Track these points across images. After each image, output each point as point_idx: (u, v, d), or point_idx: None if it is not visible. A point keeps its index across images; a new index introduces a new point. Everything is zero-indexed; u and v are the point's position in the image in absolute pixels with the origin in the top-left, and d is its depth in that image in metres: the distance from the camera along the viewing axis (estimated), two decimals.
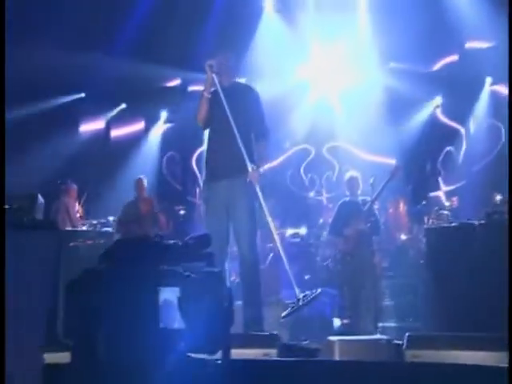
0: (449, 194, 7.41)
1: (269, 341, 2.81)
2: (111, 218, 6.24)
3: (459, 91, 7.83)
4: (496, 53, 7.57)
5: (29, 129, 6.33)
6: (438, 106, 8.30)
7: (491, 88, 7.77)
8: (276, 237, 3.88)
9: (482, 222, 4.62)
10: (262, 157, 3.58)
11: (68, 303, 1.26)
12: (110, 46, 7.41)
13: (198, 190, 7.32)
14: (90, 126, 8.49)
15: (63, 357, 1.43)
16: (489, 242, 4.30)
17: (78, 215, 6.21)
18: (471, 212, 6.60)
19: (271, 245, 6.20)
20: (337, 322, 5.39)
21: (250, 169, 3.40)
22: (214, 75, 3.49)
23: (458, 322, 4.15)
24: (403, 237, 6.39)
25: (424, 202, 6.75)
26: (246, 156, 3.40)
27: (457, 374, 2.23)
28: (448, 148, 8.16)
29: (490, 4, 7.06)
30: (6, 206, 4.28)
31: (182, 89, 8.84)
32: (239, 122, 3.43)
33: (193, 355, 1.21)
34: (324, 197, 8.00)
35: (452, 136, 8.16)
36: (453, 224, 5.29)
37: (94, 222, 6.15)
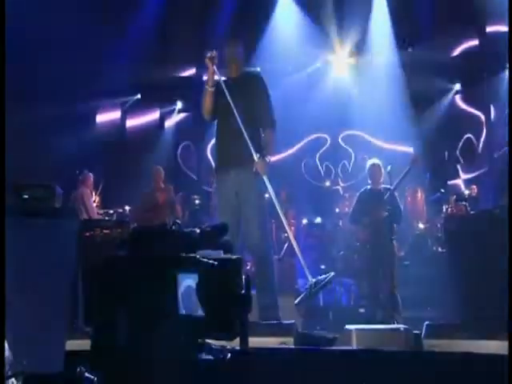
0: (468, 182, 7.31)
1: (286, 329, 2.82)
2: (127, 208, 6.31)
3: (479, 77, 7.68)
4: None
5: (47, 121, 6.40)
6: (457, 93, 8.16)
7: None
8: (287, 227, 3.88)
9: (502, 209, 4.55)
10: (270, 146, 3.54)
11: (88, 290, 1.28)
12: (125, 37, 7.43)
13: (212, 180, 7.35)
14: (106, 117, 8.56)
15: (83, 344, 1.45)
16: (509, 230, 4.25)
17: (95, 204, 6.28)
18: (492, 200, 6.52)
19: (286, 235, 6.22)
20: (353, 312, 5.40)
21: (255, 158, 3.39)
22: (215, 68, 3.46)
23: (477, 312, 4.12)
24: (421, 226, 6.33)
25: (442, 191, 6.67)
26: (251, 146, 3.38)
27: (474, 363, 2.21)
28: (467, 135, 8.03)
29: None
30: (26, 196, 4.36)
31: (196, 79, 8.84)
32: (245, 111, 3.43)
33: (211, 341, 1.22)
34: (340, 186, 7.97)
35: (472, 123, 8.03)
36: (472, 212, 5.23)
37: (111, 211, 6.22)
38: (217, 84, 3.54)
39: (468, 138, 8.04)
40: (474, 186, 6.67)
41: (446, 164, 7.93)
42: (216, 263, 1.14)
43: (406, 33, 7.78)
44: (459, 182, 7.72)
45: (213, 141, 3.70)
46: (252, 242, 3.47)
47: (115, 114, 8.73)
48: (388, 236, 4.92)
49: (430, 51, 7.72)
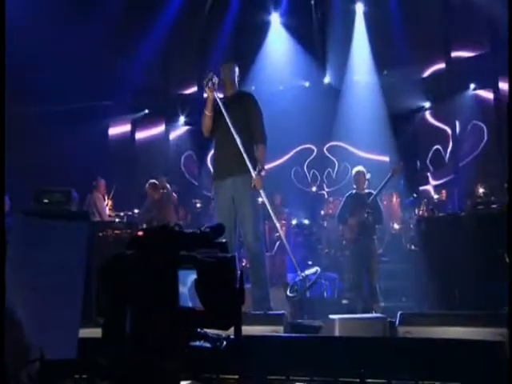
0: (438, 188, 7.35)
1: (276, 319, 2.81)
2: (136, 211, 6.28)
3: (446, 95, 7.75)
4: (478, 61, 7.49)
5: (64, 132, 6.39)
6: (427, 109, 8.22)
7: (475, 92, 7.68)
8: (279, 228, 3.88)
9: (467, 212, 4.58)
10: (262, 159, 3.53)
11: (99, 284, 1.27)
12: (135, 60, 7.47)
13: (212, 185, 7.34)
14: (117, 129, 8.56)
15: (95, 332, 1.44)
16: (472, 229, 4.27)
17: (108, 208, 6.25)
18: (458, 203, 6.55)
19: (278, 234, 6.21)
20: (337, 303, 5.38)
21: (253, 175, 3.39)
22: (215, 94, 3.46)
23: (446, 301, 4.13)
24: (396, 226, 6.34)
25: (415, 195, 6.70)
26: (248, 161, 3.39)
27: (445, 347, 2.22)
28: (436, 146, 8.08)
29: (473, 16, 6.99)
30: (46, 201, 4.32)
31: (198, 95, 8.88)
32: (240, 129, 3.44)
33: (208, 331, 1.21)
34: (325, 191, 7.98)
35: (440, 136, 8.08)
36: (440, 214, 5.26)
37: (122, 213, 6.19)
38: (215, 105, 3.56)
39: (436, 149, 8.09)
40: (444, 191, 6.69)
41: (418, 172, 7.98)
42: (213, 261, 1.14)
43: (383, 56, 7.85)
44: (429, 187, 7.75)
45: (212, 151, 3.70)
46: (247, 241, 3.47)
47: (126, 128, 8.75)
48: (371, 235, 4.93)
49: (403, 73, 7.79)
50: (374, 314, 3.89)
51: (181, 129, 9.10)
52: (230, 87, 3.63)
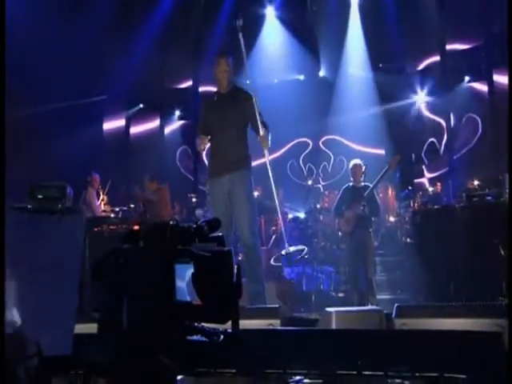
0: (433, 180, 7.36)
1: (272, 312, 2.81)
2: (131, 206, 6.24)
3: (441, 89, 7.75)
4: (473, 54, 7.49)
5: (60, 128, 6.34)
6: (422, 102, 8.22)
7: (469, 85, 7.68)
8: (281, 221, 3.93)
9: (461, 204, 4.59)
10: (266, 142, 3.49)
11: (95, 279, 1.25)
12: (129, 54, 7.41)
13: (207, 180, 7.31)
14: (112, 124, 8.49)
15: (90, 327, 1.43)
16: (467, 222, 4.29)
17: (103, 203, 6.21)
18: (453, 196, 6.57)
19: (274, 228, 6.21)
20: (333, 296, 5.40)
21: (261, 132, 3.40)
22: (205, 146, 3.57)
23: (441, 293, 4.15)
24: (392, 219, 6.35)
25: (410, 188, 6.71)
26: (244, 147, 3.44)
27: (440, 339, 2.22)
28: (431, 139, 8.09)
29: (467, 9, 6.98)
30: (40, 196, 4.29)
31: (193, 90, 8.82)
32: (235, 121, 3.46)
33: (205, 325, 1.20)
34: (321, 184, 7.98)
35: (435, 129, 8.09)
36: (435, 206, 5.27)
37: (117, 209, 6.15)
38: (210, 98, 3.60)
39: (431, 142, 8.10)
40: (439, 184, 6.71)
41: (413, 165, 7.98)
42: (210, 255, 1.12)
43: (378, 49, 7.83)
44: (424, 180, 7.77)
45: (208, 145, 3.68)
46: (243, 236, 3.47)
47: (120, 122, 8.68)
48: (367, 228, 4.94)
49: (398, 66, 7.78)
50: (370, 307, 3.91)
51: (176, 123, 9.04)
52: (225, 81, 3.59)
